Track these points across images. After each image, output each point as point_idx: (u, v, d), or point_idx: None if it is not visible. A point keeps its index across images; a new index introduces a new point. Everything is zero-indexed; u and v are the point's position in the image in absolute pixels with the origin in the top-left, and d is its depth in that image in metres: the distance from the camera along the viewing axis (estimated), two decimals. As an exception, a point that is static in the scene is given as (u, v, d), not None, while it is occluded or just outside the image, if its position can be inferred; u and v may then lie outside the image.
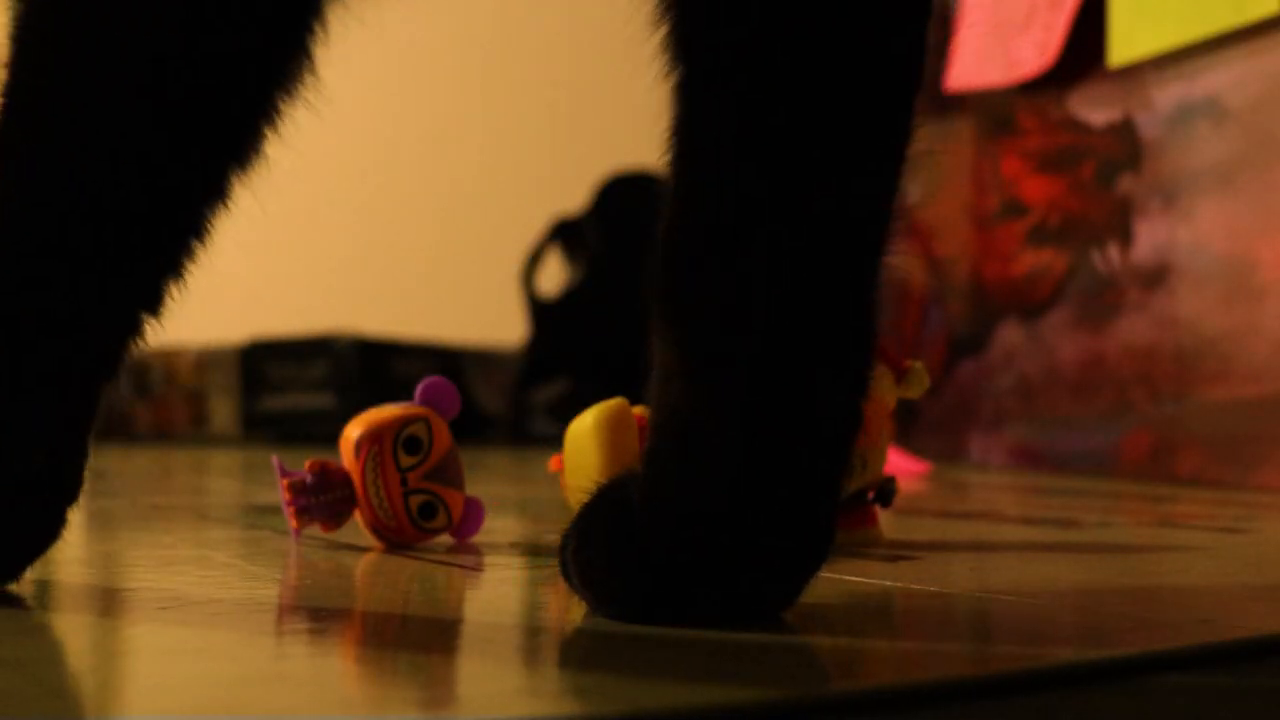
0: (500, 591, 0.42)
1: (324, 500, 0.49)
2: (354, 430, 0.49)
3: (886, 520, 0.55)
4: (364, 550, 0.49)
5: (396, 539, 0.49)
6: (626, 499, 0.34)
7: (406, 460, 0.49)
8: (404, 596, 0.41)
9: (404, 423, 0.49)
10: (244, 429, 1.64)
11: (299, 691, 0.27)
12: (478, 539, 0.53)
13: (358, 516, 0.50)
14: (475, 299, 2.07)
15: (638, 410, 0.48)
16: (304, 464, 0.50)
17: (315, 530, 0.51)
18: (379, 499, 0.48)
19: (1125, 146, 1.03)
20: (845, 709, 0.27)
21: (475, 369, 1.66)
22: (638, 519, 0.34)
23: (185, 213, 0.36)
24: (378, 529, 0.49)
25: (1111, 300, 1.04)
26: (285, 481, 0.49)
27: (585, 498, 0.48)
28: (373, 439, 0.48)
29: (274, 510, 0.65)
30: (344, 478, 0.49)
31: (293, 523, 0.49)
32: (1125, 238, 1.03)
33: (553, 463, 0.57)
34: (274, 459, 0.50)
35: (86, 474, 0.41)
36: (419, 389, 0.50)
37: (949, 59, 1.19)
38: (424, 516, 0.49)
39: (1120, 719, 0.27)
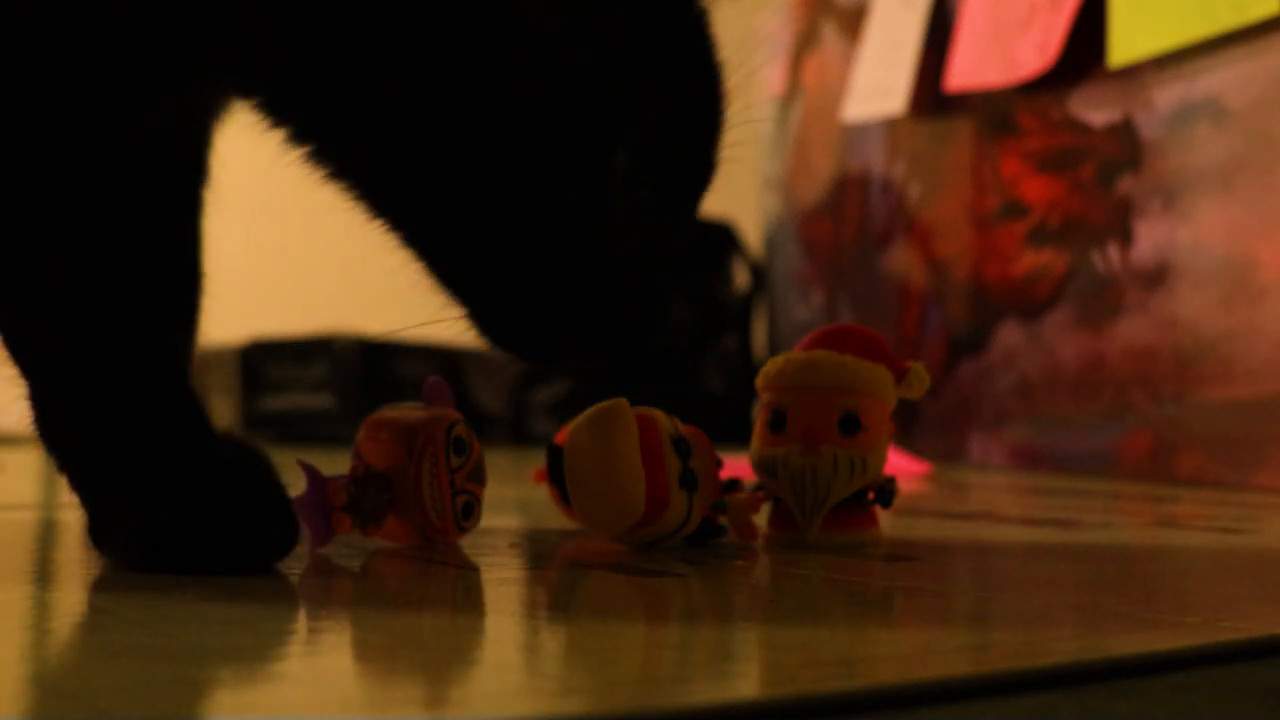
0: (500, 591, 0.42)
1: (380, 502, 0.48)
2: (402, 431, 0.48)
3: (886, 520, 0.55)
4: (363, 550, 0.49)
5: (440, 539, 0.49)
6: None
7: (455, 461, 0.49)
8: (404, 596, 0.41)
9: (451, 423, 0.49)
10: (244, 429, 1.64)
11: (299, 691, 0.27)
12: (478, 539, 0.53)
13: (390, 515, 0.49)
14: (475, 299, 2.06)
15: (638, 410, 0.48)
16: (350, 466, 0.49)
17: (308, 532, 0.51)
18: (433, 499, 0.48)
19: (1125, 146, 1.03)
20: (845, 709, 0.27)
21: (475, 369, 1.66)
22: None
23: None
24: (425, 529, 0.48)
25: (1111, 301, 1.04)
26: (335, 484, 0.47)
27: (585, 497, 0.48)
28: (429, 439, 0.48)
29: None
30: (387, 479, 0.48)
31: (341, 529, 0.48)
32: (1125, 238, 1.03)
33: (537, 475, 0.56)
34: (302, 462, 0.47)
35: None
36: (425, 389, 0.50)
37: (949, 59, 1.19)
38: (465, 516, 0.49)
39: (1120, 719, 0.27)
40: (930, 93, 1.24)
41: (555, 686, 0.29)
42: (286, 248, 2.01)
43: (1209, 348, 0.95)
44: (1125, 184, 1.03)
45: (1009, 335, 1.15)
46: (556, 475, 0.53)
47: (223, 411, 1.66)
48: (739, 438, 0.62)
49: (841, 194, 1.40)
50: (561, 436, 0.54)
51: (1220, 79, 0.95)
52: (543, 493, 0.58)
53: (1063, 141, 1.09)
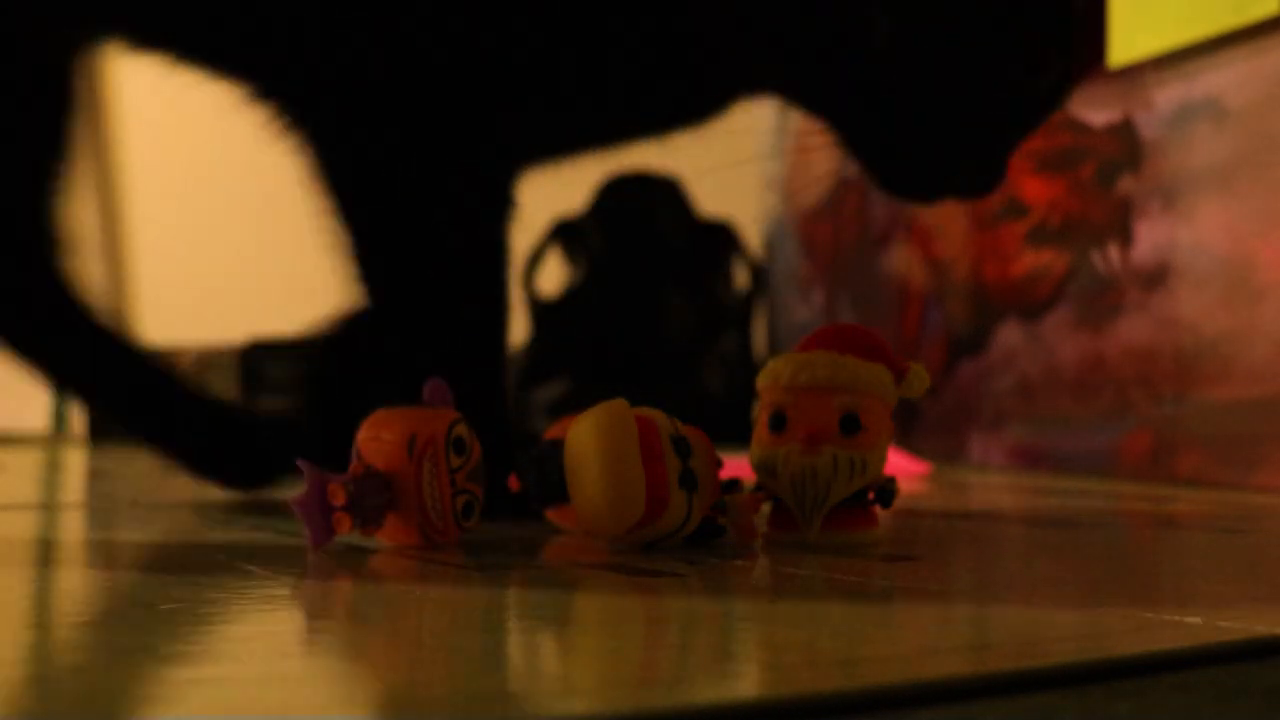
0: (500, 591, 0.42)
1: (379, 502, 0.48)
2: (402, 430, 0.48)
3: (886, 520, 0.55)
4: (362, 550, 0.49)
5: (440, 539, 0.49)
6: None
7: (455, 461, 0.49)
8: (404, 596, 0.41)
9: (452, 423, 0.49)
10: (244, 429, 1.64)
11: (299, 691, 0.27)
12: (478, 539, 0.53)
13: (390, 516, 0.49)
14: (475, 299, 2.06)
15: (638, 411, 0.48)
16: (350, 466, 0.49)
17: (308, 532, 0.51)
18: (433, 500, 0.48)
19: (1125, 146, 1.03)
20: (845, 709, 0.27)
21: (475, 369, 1.66)
22: None
23: None
24: (425, 529, 0.48)
25: (1112, 301, 1.04)
26: (335, 485, 0.47)
27: (585, 497, 0.48)
28: (429, 440, 0.48)
29: (274, 510, 0.65)
30: (387, 479, 0.48)
31: (341, 529, 0.48)
32: (1125, 238, 1.03)
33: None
34: (302, 462, 0.47)
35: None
36: (425, 390, 0.50)
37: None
38: (465, 516, 0.49)
39: (1120, 719, 0.27)
40: (930, 93, 1.24)
41: (555, 686, 0.29)
42: (286, 248, 2.01)
43: (1209, 348, 0.95)
44: (1125, 184, 1.03)
45: (1009, 335, 1.15)
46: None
47: (223, 411, 1.65)
48: (739, 438, 0.62)
49: (841, 194, 1.40)
50: (551, 433, 0.54)
51: (1220, 79, 0.95)
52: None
53: (1063, 141, 1.09)
